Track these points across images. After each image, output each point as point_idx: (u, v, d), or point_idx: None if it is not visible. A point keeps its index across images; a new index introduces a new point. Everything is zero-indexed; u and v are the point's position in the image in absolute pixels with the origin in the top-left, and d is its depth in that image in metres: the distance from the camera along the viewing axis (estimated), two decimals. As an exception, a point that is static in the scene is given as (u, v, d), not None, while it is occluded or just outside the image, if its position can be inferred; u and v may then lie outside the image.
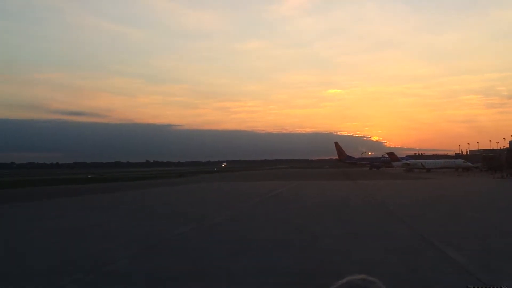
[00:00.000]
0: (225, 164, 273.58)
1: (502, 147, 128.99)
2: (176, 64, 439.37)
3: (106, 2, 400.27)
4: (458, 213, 21.60)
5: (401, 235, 14.98)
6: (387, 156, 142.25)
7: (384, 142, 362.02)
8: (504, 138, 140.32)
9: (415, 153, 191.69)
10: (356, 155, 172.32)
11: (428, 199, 29.95)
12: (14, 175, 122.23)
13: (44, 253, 12.95)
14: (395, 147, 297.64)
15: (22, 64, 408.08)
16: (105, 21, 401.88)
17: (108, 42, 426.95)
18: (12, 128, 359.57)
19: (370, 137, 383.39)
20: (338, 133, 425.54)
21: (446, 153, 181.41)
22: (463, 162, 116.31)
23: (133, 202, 32.25)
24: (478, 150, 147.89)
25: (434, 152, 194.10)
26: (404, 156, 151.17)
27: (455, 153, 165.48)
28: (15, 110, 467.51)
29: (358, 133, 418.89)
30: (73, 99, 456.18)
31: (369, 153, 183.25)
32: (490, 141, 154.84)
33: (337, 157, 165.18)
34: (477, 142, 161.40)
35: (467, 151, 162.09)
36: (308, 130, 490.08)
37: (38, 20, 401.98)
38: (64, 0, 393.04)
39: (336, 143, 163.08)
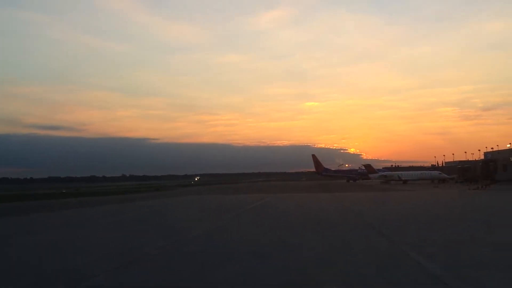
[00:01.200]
0: (198, 177, 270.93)
1: (477, 159, 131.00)
2: (154, 78, 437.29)
3: (84, 15, 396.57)
4: (431, 222, 21.82)
5: (375, 242, 14.89)
6: (364, 168, 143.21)
7: (361, 154, 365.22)
8: (479, 150, 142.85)
9: (392, 165, 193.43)
10: (333, 167, 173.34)
11: (404, 210, 30.30)
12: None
13: (22, 268, 12.50)
14: (372, 159, 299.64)
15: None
16: (83, 34, 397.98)
17: (85, 55, 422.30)
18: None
19: (347, 150, 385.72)
20: (315, 146, 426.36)
21: (422, 164, 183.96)
22: (439, 173, 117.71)
23: (108, 217, 31.65)
24: (454, 162, 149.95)
25: (411, 164, 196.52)
26: (381, 168, 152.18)
27: (431, 165, 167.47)
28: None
29: (335, 146, 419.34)
30: (49, 113, 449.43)
31: (346, 165, 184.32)
32: (465, 152, 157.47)
33: (314, 170, 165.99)
34: (453, 154, 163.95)
35: (442, 163, 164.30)
36: (285, 143, 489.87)
37: (13, 33, 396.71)
38: (41, 12, 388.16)
39: (313, 155, 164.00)
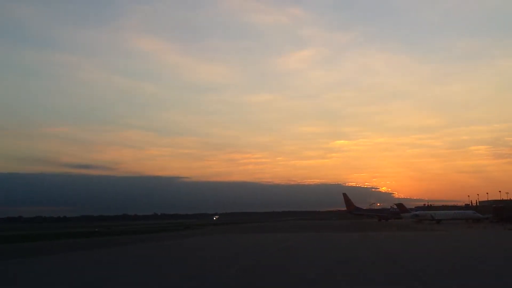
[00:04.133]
0: (217, 216, 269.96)
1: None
2: (185, 117, 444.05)
3: (116, 56, 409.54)
4: (470, 266, 21.31)
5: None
6: (396, 207, 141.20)
7: (393, 193, 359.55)
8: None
9: (424, 204, 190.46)
10: (365, 206, 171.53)
11: (442, 253, 29.64)
12: (19, 229, 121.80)
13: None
14: (404, 198, 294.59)
15: (33, 119, 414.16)
16: (115, 75, 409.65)
17: (118, 96, 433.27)
18: (22, 182, 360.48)
19: (378, 188, 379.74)
20: (346, 184, 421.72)
21: (455, 204, 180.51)
22: (473, 213, 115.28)
23: (135, 257, 31.85)
24: (488, 201, 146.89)
25: (444, 203, 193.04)
26: (413, 207, 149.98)
27: (465, 204, 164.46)
28: (25, 164, 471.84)
29: (366, 184, 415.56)
30: (82, 152, 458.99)
31: (378, 204, 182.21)
32: (499, 191, 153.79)
33: (345, 209, 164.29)
34: (487, 193, 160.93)
35: (476, 202, 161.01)
36: (315, 181, 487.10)
37: (49, 75, 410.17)
38: (75, 55, 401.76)
39: (344, 194, 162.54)
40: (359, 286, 16.01)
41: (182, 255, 32.41)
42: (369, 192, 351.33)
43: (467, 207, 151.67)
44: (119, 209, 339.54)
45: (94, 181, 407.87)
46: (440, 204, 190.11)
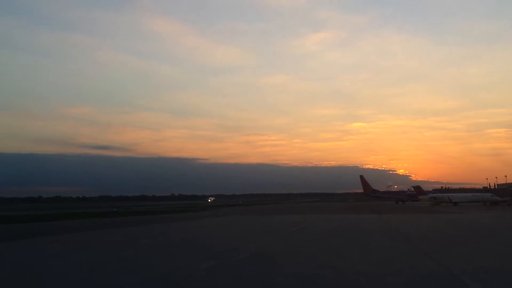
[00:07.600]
0: (212, 198, 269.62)
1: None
2: (202, 99, 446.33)
3: (133, 38, 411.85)
4: (486, 247, 21.26)
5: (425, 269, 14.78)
6: (414, 189, 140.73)
7: (410, 176, 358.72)
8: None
9: (442, 187, 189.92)
10: (382, 188, 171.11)
11: (458, 235, 29.56)
12: (40, 209, 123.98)
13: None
14: (421, 180, 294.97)
15: (51, 100, 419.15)
16: (133, 57, 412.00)
17: (135, 77, 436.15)
18: (40, 162, 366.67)
19: (395, 171, 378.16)
20: (363, 167, 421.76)
21: (473, 186, 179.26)
22: (491, 196, 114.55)
23: (154, 236, 32.39)
24: (506, 184, 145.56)
25: (461, 186, 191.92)
26: (431, 190, 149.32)
27: (483, 187, 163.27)
28: (43, 144, 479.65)
29: (383, 167, 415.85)
30: (100, 133, 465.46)
31: (395, 186, 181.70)
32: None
33: (362, 191, 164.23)
34: (505, 176, 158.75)
35: (494, 185, 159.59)
36: (333, 163, 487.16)
37: (67, 57, 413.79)
38: (93, 36, 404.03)
39: (361, 176, 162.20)
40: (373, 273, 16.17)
41: (194, 236, 32.84)
42: (386, 175, 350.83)
43: (485, 190, 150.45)
44: (137, 189, 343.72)
45: (112, 162, 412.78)
46: (458, 186, 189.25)
